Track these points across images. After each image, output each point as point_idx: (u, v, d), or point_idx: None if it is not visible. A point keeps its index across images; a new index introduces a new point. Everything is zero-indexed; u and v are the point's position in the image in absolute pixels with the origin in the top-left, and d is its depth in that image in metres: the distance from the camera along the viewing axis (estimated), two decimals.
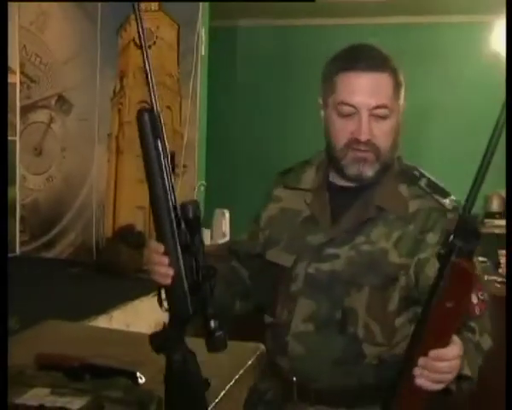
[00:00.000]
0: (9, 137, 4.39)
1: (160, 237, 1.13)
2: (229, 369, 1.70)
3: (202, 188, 4.25)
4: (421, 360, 0.96)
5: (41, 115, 4.54)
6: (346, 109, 1.25)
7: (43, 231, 4.55)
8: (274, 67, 5.34)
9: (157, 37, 4.22)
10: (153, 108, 1.11)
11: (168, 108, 4.20)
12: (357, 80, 1.24)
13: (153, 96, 1.11)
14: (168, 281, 1.13)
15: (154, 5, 4.23)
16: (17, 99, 4.50)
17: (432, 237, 1.23)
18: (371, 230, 1.26)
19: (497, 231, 4.31)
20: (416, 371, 0.97)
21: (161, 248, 1.13)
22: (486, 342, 1.19)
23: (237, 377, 1.70)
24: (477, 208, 5.42)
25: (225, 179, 5.18)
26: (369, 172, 1.27)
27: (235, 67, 5.63)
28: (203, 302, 1.13)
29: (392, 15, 5.11)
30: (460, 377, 1.07)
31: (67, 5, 4.36)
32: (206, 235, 4.25)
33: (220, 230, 4.31)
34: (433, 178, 1.32)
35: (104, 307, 2.86)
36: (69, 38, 4.39)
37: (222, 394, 1.58)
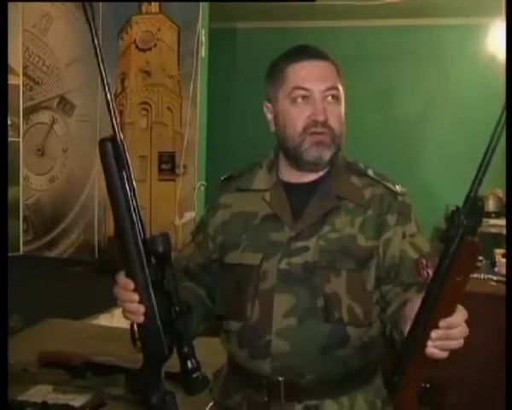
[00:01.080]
0: (13, 138, 4.43)
1: (130, 273, 1.08)
2: None
3: (202, 188, 4.28)
4: (434, 332, 0.99)
5: (43, 116, 4.58)
6: (300, 93, 1.30)
7: (45, 231, 4.59)
8: None
9: (158, 39, 4.25)
10: (115, 136, 1.05)
11: (169, 109, 4.23)
12: (307, 67, 1.31)
13: (115, 124, 1.06)
14: (140, 319, 1.10)
15: (155, 8, 4.25)
16: (20, 101, 4.53)
17: (391, 219, 1.31)
18: (335, 219, 1.31)
19: (493, 230, 4.33)
20: (429, 342, 1.00)
21: (131, 284, 1.09)
22: None
23: None
24: None
25: None
26: (327, 154, 1.31)
27: (235, 69, 5.64)
28: (178, 341, 1.08)
29: (391, 18, 5.12)
30: None
31: (69, 8, 4.39)
32: None
33: None
34: (376, 169, 1.39)
35: (106, 306, 2.87)
36: (71, 41, 4.41)
37: None
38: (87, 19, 1.04)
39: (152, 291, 1.07)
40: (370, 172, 1.36)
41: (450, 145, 5.19)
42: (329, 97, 1.30)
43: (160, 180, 4.27)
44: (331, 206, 1.32)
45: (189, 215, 4.21)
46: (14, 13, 4.21)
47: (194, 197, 4.20)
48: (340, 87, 1.33)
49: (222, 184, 1.49)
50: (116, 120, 1.06)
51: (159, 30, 4.24)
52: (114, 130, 1.05)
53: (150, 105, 4.29)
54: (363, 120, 4.89)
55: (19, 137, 4.54)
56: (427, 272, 1.25)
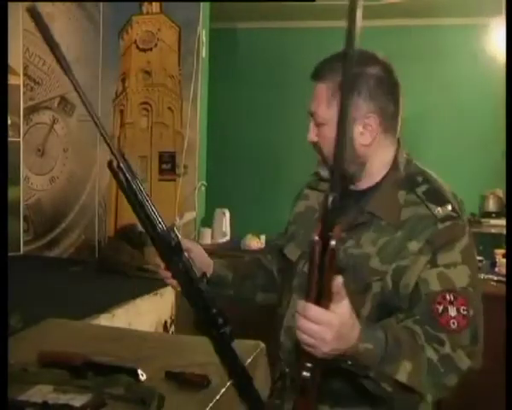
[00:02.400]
0: (13, 138, 4.43)
1: (161, 257, 1.30)
2: None
3: (203, 188, 4.28)
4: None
5: (44, 117, 4.57)
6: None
7: (46, 231, 4.58)
8: (273, 69, 5.35)
9: (158, 39, 4.26)
10: (118, 161, 1.19)
11: (169, 109, 4.24)
12: (314, 88, 1.35)
13: (114, 153, 1.17)
14: (177, 288, 1.31)
15: (156, 8, 4.26)
16: (21, 101, 4.52)
17: (414, 245, 1.24)
18: (362, 234, 1.29)
19: (493, 230, 4.32)
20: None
21: (162, 264, 1.31)
22: (462, 361, 1.18)
23: None
24: (473, 208, 5.39)
25: (225, 179, 5.20)
26: (322, 172, 1.38)
27: (236, 69, 5.64)
28: (205, 304, 1.24)
29: (390, 18, 5.12)
30: (401, 384, 1.11)
31: (70, 8, 4.40)
32: (207, 234, 4.29)
33: (220, 229, 4.34)
34: (437, 185, 1.32)
35: (106, 306, 2.87)
36: (72, 41, 4.41)
37: (222, 391, 1.60)
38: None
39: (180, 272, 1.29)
40: (420, 190, 1.30)
41: (449, 145, 5.18)
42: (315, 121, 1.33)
43: (160, 180, 4.28)
44: (360, 221, 1.31)
45: (190, 215, 4.22)
46: (15, 13, 4.21)
47: (194, 197, 4.21)
48: (325, 111, 1.30)
49: (310, 177, 1.56)
50: (113, 148, 1.17)
51: (159, 30, 4.25)
52: (114, 155, 1.17)
53: (151, 105, 4.29)
54: None
55: (19, 137, 4.53)
56: (445, 308, 1.18)
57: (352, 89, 1.28)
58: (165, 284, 3.46)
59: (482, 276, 3.36)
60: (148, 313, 3.10)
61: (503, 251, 3.47)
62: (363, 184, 1.36)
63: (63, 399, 1.45)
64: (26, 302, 2.48)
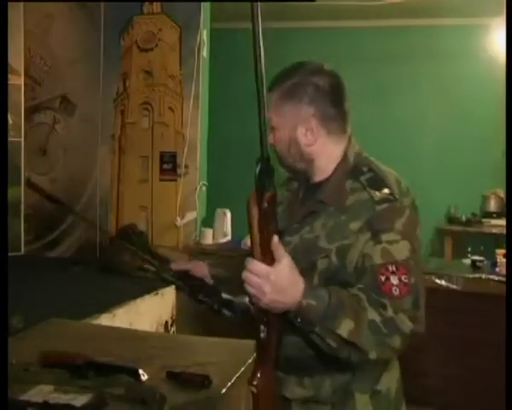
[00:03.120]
0: (14, 138, 4.42)
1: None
2: (229, 367, 1.71)
3: (204, 188, 4.29)
4: None
5: (45, 116, 4.59)
6: None
7: (47, 231, 4.59)
8: (274, 69, 5.35)
9: (159, 39, 4.27)
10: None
11: (170, 109, 4.25)
12: None
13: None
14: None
15: (157, 8, 4.27)
16: (22, 100, 4.52)
17: (355, 225, 1.38)
18: (315, 221, 1.45)
19: (494, 230, 4.33)
20: None
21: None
22: (405, 324, 1.30)
23: (238, 375, 1.70)
24: (474, 208, 5.39)
25: (226, 179, 5.21)
26: (282, 169, 1.55)
27: (236, 69, 5.65)
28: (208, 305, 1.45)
29: (391, 18, 5.12)
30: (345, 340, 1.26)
31: (71, 8, 4.40)
32: (208, 234, 4.29)
33: (221, 229, 4.35)
34: (380, 173, 1.45)
35: (107, 306, 2.87)
36: (73, 41, 4.43)
37: (222, 392, 1.61)
38: None
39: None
40: (364, 177, 1.43)
41: (449, 145, 5.18)
42: None
43: (161, 180, 4.28)
44: (312, 209, 1.47)
45: (191, 215, 4.22)
46: (16, 13, 4.21)
47: (195, 197, 4.21)
48: (276, 116, 1.49)
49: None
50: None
51: (160, 30, 4.26)
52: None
53: (152, 105, 4.30)
54: (363, 121, 4.89)
55: (20, 137, 4.53)
56: (387, 278, 1.31)
57: (295, 95, 1.46)
58: (165, 284, 3.48)
59: (483, 276, 3.36)
60: (149, 312, 3.10)
61: (504, 251, 3.47)
62: (318, 177, 1.51)
63: (64, 399, 1.45)
64: (26, 302, 2.48)
